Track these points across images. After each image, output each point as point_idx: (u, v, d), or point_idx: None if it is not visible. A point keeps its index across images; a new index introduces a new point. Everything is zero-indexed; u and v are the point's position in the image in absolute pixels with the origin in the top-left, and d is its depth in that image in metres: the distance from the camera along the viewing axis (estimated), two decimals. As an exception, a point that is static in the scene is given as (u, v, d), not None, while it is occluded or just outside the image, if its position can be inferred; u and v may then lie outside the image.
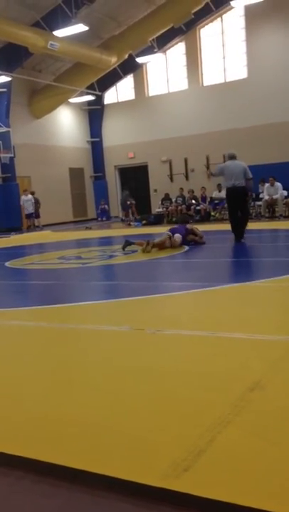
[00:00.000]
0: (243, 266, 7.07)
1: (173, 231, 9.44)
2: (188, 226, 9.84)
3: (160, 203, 19.83)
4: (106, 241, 12.87)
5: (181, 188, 19.65)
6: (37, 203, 19.23)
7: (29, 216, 19.06)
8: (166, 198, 19.58)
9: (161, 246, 8.96)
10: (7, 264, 8.74)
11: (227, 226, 14.17)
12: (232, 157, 9.92)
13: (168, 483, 1.70)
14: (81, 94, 22.13)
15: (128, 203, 19.78)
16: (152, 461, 1.87)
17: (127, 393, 2.57)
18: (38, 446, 2.06)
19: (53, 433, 2.18)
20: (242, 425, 2.10)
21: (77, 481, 1.81)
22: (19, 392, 2.73)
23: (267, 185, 15.88)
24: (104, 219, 22.22)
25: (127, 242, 9.26)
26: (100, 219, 22.33)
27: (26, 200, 18.75)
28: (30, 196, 18.86)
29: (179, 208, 18.29)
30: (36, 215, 19.25)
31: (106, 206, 22.54)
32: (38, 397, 2.64)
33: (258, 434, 2.02)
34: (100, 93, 22.41)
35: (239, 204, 9.60)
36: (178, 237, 9.24)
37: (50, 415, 2.37)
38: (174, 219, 17.17)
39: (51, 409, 2.44)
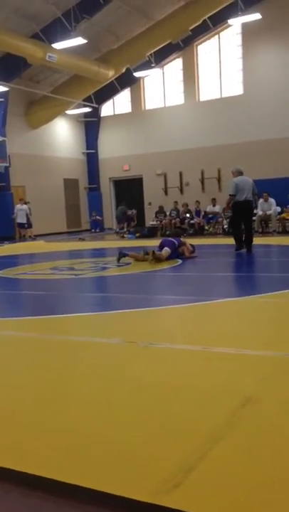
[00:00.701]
0: (235, 281, 7.09)
1: (165, 243, 9.43)
2: (183, 240, 9.84)
3: (154, 215, 19.90)
4: (99, 253, 12.87)
5: (176, 202, 19.74)
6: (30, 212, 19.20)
7: (21, 226, 18.95)
8: (161, 210, 19.68)
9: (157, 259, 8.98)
10: (-1, 273, 8.71)
11: (221, 240, 14.25)
12: (241, 172, 10.48)
13: (158, 499, 1.69)
14: (78, 106, 22.26)
15: (130, 212, 19.92)
16: (143, 476, 1.85)
17: (118, 407, 2.55)
18: (27, 459, 2.03)
19: (42, 446, 2.16)
20: (233, 441, 2.09)
21: (66, 495, 1.79)
22: (9, 404, 2.70)
23: (261, 200, 15.99)
24: (97, 230, 22.24)
25: (121, 254, 9.24)
26: (93, 230, 22.34)
27: (20, 210, 18.68)
28: (25, 206, 18.80)
29: (173, 221, 18.35)
30: (29, 225, 19.19)
31: (98, 217, 22.56)
32: (29, 409, 2.61)
33: (249, 450, 2.01)
34: (96, 105, 22.56)
35: (247, 217, 10.29)
36: (166, 251, 9.19)
37: (40, 428, 2.35)
38: (167, 232, 17.22)
39: (41, 422, 2.42)
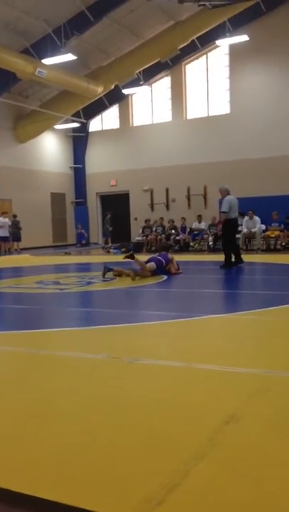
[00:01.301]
0: (220, 297, 7.14)
1: (152, 260, 9.42)
2: (170, 256, 9.77)
3: (141, 230, 19.82)
4: (84, 267, 12.85)
5: (161, 218, 19.84)
6: (17, 226, 19.08)
7: (4, 239, 18.82)
8: (148, 225, 19.64)
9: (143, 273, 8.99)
10: (-16, 286, 8.64)
11: (206, 257, 14.34)
12: (228, 191, 10.84)
13: (141, 516, 1.69)
14: (66, 121, 22.40)
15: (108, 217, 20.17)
16: (126, 494, 1.85)
17: (101, 423, 2.55)
18: (8, 476, 2.02)
19: (25, 463, 2.14)
20: (217, 459, 2.10)
21: (48, 511, 1.78)
22: (-8, 419, 2.68)
23: (246, 218, 16.16)
24: (83, 242, 22.22)
25: (106, 269, 9.23)
26: (78, 245, 22.31)
27: (4, 223, 18.51)
28: (6, 220, 18.62)
29: (159, 237, 18.42)
30: (17, 238, 19.07)
31: (83, 231, 22.55)
32: (11, 424, 2.59)
33: (233, 468, 2.02)
34: (85, 121, 22.72)
35: (235, 234, 11.02)
36: (151, 265, 9.16)
37: (22, 444, 2.34)
38: (153, 248, 17.27)
39: (24, 438, 2.40)
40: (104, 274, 9.18)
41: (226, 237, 10.78)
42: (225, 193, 10.75)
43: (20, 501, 1.85)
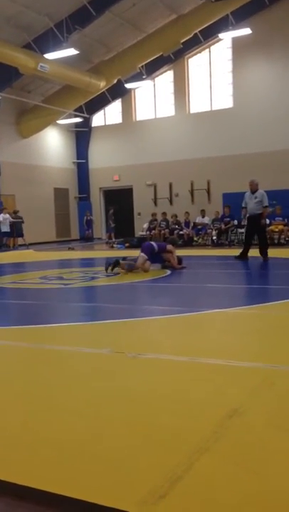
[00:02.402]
0: (224, 292, 7.13)
1: (143, 248, 9.32)
2: (169, 247, 9.54)
3: (147, 224, 19.71)
4: (88, 262, 12.87)
5: (164, 213, 19.81)
6: (20, 221, 19.14)
7: (6, 235, 18.85)
8: (154, 219, 19.56)
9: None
10: (-12, 282, 8.67)
11: (210, 251, 14.34)
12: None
13: (145, 509, 1.70)
14: (69, 116, 22.36)
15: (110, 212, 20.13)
16: (130, 487, 1.87)
17: (105, 417, 2.57)
18: (14, 469, 2.04)
19: (30, 456, 2.16)
20: (220, 453, 2.11)
21: (54, 505, 1.80)
22: (-3, 414, 2.70)
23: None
24: (90, 231, 22.22)
25: (114, 263, 9.15)
26: (87, 231, 22.28)
27: (5, 219, 18.58)
28: (7, 216, 18.69)
29: (162, 232, 18.41)
30: (19, 234, 19.14)
31: (92, 217, 22.54)
32: (16, 419, 2.61)
33: (235, 462, 2.03)
34: (87, 116, 22.67)
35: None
36: (141, 257, 9.07)
37: (27, 438, 2.36)
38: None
39: (28, 432, 2.42)
40: (112, 268, 9.10)
41: (259, 231, 10.69)
42: (256, 186, 10.52)
43: (26, 495, 1.86)
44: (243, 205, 10.69)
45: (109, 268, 9.12)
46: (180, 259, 9.65)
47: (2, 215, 18.56)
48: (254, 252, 10.80)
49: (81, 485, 1.89)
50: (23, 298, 7.17)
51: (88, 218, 22.50)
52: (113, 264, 9.12)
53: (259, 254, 10.58)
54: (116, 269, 9.15)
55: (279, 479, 1.89)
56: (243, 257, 10.69)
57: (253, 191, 10.45)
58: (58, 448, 2.23)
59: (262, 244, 10.67)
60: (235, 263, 10.75)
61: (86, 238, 22.44)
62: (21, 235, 19.17)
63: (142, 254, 9.16)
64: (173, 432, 2.34)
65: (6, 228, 18.57)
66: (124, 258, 9.29)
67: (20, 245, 19.07)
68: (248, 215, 10.64)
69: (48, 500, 1.82)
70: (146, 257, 9.13)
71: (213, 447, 2.15)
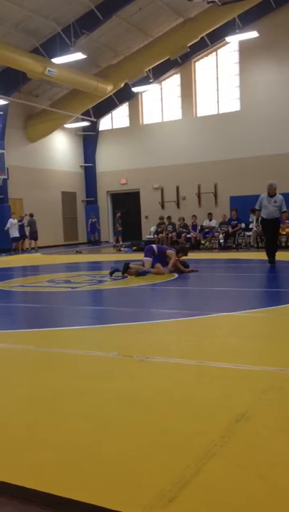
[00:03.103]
0: (232, 295, 7.11)
1: (146, 252, 9.53)
2: (168, 252, 9.56)
3: (156, 226, 19.70)
4: (95, 266, 12.89)
5: (169, 217, 19.77)
6: (34, 225, 19.31)
7: (15, 240, 19.00)
8: (162, 222, 19.55)
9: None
10: (-4, 285, 8.71)
11: (217, 255, 14.31)
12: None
13: (153, 513, 1.70)
14: (76, 120, 22.45)
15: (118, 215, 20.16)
16: (138, 490, 1.86)
17: (113, 421, 2.56)
18: (22, 473, 2.04)
19: (38, 459, 2.16)
20: (228, 457, 2.10)
21: (61, 508, 1.80)
22: (5, 417, 2.70)
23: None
24: (95, 234, 22.25)
25: (126, 266, 9.17)
26: (91, 235, 22.31)
27: (13, 224, 18.69)
28: (15, 221, 18.82)
29: (170, 235, 18.40)
30: (34, 237, 19.32)
31: (95, 220, 22.57)
32: (24, 422, 2.62)
33: (243, 466, 2.02)
34: (95, 119, 22.75)
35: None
36: (146, 261, 9.29)
37: (35, 441, 2.36)
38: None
39: (37, 435, 2.43)
40: (124, 272, 9.11)
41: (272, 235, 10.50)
42: (275, 190, 10.40)
43: (34, 498, 1.87)
44: (257, 208, 10.54)
45: (117, 273, 9.19)
46: (186, 264, 9.61)
47: (10, 220, 18.67)
48: (261, 256, 10.76)
49: (88, 488, 1.89)
50: (31, 301, 7.19)
51: (93, 221, 22.54)
52: (124, 268, 9.14)
53: (262, 258, 10.51)
54: (119, 274, 9.20)
55: (287, 483, 1.88)
56: (273, 261, 10.37)
57: (272, 195, 10.35)
58: (65, 451, 2.23)
59: (274, 248, 10.53)
60: (242, 266, 10.72)
61: (93, 242, 22.47)
62: (36, 238, 19.29)
63: (146, 258, 9.35)
64: (181, 436, 2.33)
65: (15, 233, 18.68)
66: (128, 263, 9.27)
67: (32, 248, 19.18)
68: (264, 218, 10.48)
69: (54, 504, 1.82)
70: (150, 259, 9.28)
71: (221, 451, 2.14)
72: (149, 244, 18.00)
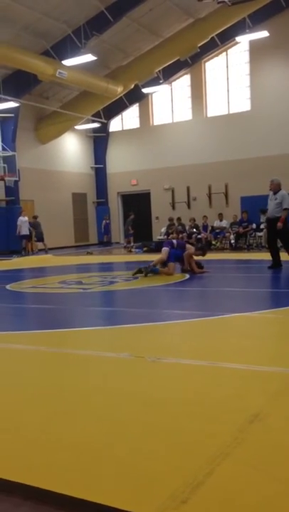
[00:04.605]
0: (244, 296, 7.09)
1: (164, 243, 9.92)
2: (188, 245, 9.88)
3: (165, 228, 19.67)
4: (107, 267, 12.91)
5: (179, 218, 19.72)
6: (39, 226, 19.23)
7: (25, 237, 19.00)
8: (172, 224, 19.49)
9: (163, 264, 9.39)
10: (8, 287, 8.76)
11: (228, 255, 14.27)
12: (280, 185, 9.81)
13: (166, 514, 1.70)
14: (87, 121, 22.53)
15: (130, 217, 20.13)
16: (151, 491, 1.87)
17: (126, 421, 2.57)
18: (36, 473, 2.05)
19: (51, 460, 2.17)
20: (241, 458, 2.10)
21: (75, 509, 1.81)
22: (18, 418, 2.72)
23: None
24: (108, 235, 22.30)
25: (149, 269, 9.23)
26: (105, 235, 22.38)
27: (23, 222, 18.70)
28: (26, 218, 18.78)
29: (180, 236, 18.37)
30: (40, 238, 19.25)
31: (109, 221, 22.61)
32: (37, 423, 2.63)
33: (256, 467, 2.02)
34: (105, 121, 22.80)
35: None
36: (164, 250, 9.53)
37: (49, 442, 2.37)
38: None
39: (50, 436, 2.44)
40: (146, 274, 9.17)
41: (281, 235, 9.69)
42: (277, 186, 9.60)
43: (47, 499, 1.88)
44: (268, 207, 9.90)
45: (140, 272, 9.32)
46: (200, 264, 9.65)
47: (21, 217, 18.73)
48: (268, 256, 10.64)
49: (101, 489, 1.90)
50: (42, 302, 7.23)
51: (107, 222, 22.58)
52: (148, 270, 9.21)
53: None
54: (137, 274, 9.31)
55: (301, 485, 1.87)
56: (275, 265, 9.65)
57: (275, 192, 9.62)
58: (78, 452, 2.24)
59: (287, 249, 9.74)
60: (253, 267, 10.68)
61: (105, 242, 22.49)
62: (42, 240, 19.26)
63: (164, 248, 9.60)
64: (193, 437, 2.33)
65: (24, 231, 18.68)
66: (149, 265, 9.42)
67: (40, 250, 19.21)
68: (267, 217, 10.06)
69: (68, 504, 1.83)
70: (167, 248, 9.48)
71: (234, 452, 2.14)
72: (159, 244, 18.12)
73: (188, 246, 9.83)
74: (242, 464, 2.05)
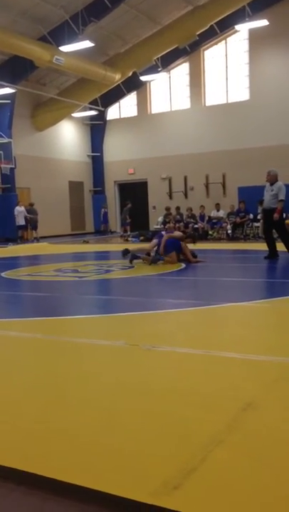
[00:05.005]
0: (239, 286, 7.10)
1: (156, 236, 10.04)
2: (176, 233, 10.11)
3: (162, 218, 19.63)
4: (103, 255, 12.90)
5: (178, 207, 19.69)
6: (35, 214, 19.18)
7: (21, 228, 18.99)
8: (169, 213, 19.46)
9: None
10: (3, 274, 8.74)
11: (225, 245, 14.27)
12: (277, 176, 9.71)
13: (158, 500, 1.71)
14: (84, 109, 22.35)
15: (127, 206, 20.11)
16: (144, 477, 1.87)
17: (120, 409, 2.57)
18: (30, 459, 2.05)
19: (45, 447, 2.18)
20: (234, 445, 2.10)
21: (68, 495, 1.81)
22: (12, 405, 2.72)
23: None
24: (107, 224, 22.27)
25: (133, 256, 9.44)
26: (103, 224, 22.38)
27: (20, 212, 18.69)
28: (22, 208, 18.78)
29: (177, 225, 18.34)
30: (34, 226, 19.23)
31: (107, 210, 22.58)
32: (31, 409, 2.63)
33: (249, 454, 2.02)
34: (102, 109, 22.64)
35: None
36: (152, 242, 9.75)
37: (43, 428, 2.37)
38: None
39: (44, 423, 2.44)
40: (131, 261, 9.36)
41: (276, 227, 9.67)
42: (274, 178, 9.53)
43: (40, 484, 1.88)
44: (264, 198, 9.90)
45: (128, 252, 9.66)
46: (194, 254, 9.64)
47: (17, 207, 18.68)
48: (266, 247, 10.64)
49: (95, 475, 1.90)
50: (38, 290, 7.22)
51: (106, 210, 22.53)
52: (131, 257, 9.41)
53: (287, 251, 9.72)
54: (135, 261, 9.37)
55: (294, 473, 1.88)
56: (272, 256, 9.60)
57: (271, 183, 9.57)
58: (72, 439, 2.24)
59: (283, 240, 9.72)
60: (250, 257, 10.69)
61: (104, 231, 22.46)
62: (35, 228, 19.23)
63: (153, 240, 9.88)
64: (187, 424, 2.34)
65: (21, 221, 18.69)
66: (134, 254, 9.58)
67: (34, 238, 19.18)
68: (263, 208, 10.02)
69: (61, 489, 1.83)
70: (156, 241, 9.71)
71: (228, 440, 2.14)
72: (156, 233, 18.13)
73: (176, 233, 10.08)
74: (235, 451, 2.05)
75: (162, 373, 3.14)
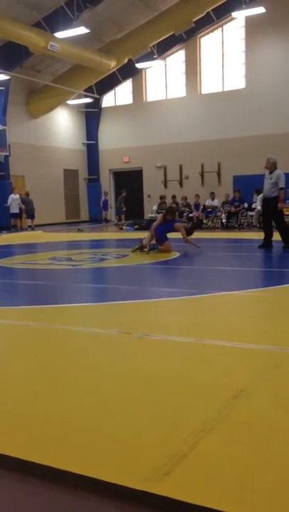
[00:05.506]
0: (233, 275, 7.12)
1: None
2: (176, 225, 9.88)
3: (157, 207, 19.57)
4: (97, 244, 12.89)
5: (174, 196, 19.66)
6: (30, 203, 19.08)
7: (14, 216, 18.89)
8: (164, 202, 19.37)
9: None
10: (-3, 262, 8.72)
11: (219, 234, 14.28)
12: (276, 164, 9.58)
13: (148, 486, 1.72)
14: (79, 96, 22.18)
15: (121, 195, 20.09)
16: (134, 464, 1.89)
17: (112, 396, 2.59)
18: (21, 446, 2.07)
19: (36, 433, 2.19)
20: (224, 432, 2.12)
21: (60, 481, 1.83)
22: (4, 391, 2.73)
23: (261, 195, 15.94)
24: (106, 211, 22.40)
25: (151, 247, 9.46)
26: (104, 212, 22.45)
27: (14, 200, 18.58)
28: (17, 196, 18.67)
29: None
30: (31, 215, 19.15)
31: (108, 199, 22.54)
32: (24, 396, 2.64)
33: (240, 441, 2.04)
34: (98, 96, 22.47)
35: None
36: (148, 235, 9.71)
37: (34, 415, 2.39)
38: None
39: (36, 409, 2.45)
40: (135, 250, 9.47)
41: (276, 216, 9.60)
42: (273, 165, 9.36)
43: (32, 470, 1.89)
44: (264, 187, 9.73)
45: (136, 250, 9.52)
46: (190, 230, 10.10)
47: (12, 195, 18.57)
48: (259, 235, 10.68)
49: (86, 461, 1.92)
50: (32, 278, 7.21)
51: (106, 199, 22.46)
52: (149, 249, 9.40)
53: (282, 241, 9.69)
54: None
55: (283, 459, 1.90)
56: (266, 245, 9.62)
57: (271, 171, 9.40)
58: (64, 425, 2.25)
59: (280, 230, 9.68)
60: (244, 246, 10.70)
61: (105, 219, 22.46)
62: (32, 217, 19.15)
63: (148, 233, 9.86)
64: (178, 411, 2.36)
65: (15, 209, 18.58)
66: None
67: (29, 226, 19.10)
68: (262, 197, 9.93)
69: (53, 476, 1.85)
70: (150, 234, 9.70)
71: (218, 426, 2.16)
72: (151, 222, 18.09)
73: (177, 226, 9.96)
74: (225, 437, 2.07)
75: (154, 361, 3.15)
